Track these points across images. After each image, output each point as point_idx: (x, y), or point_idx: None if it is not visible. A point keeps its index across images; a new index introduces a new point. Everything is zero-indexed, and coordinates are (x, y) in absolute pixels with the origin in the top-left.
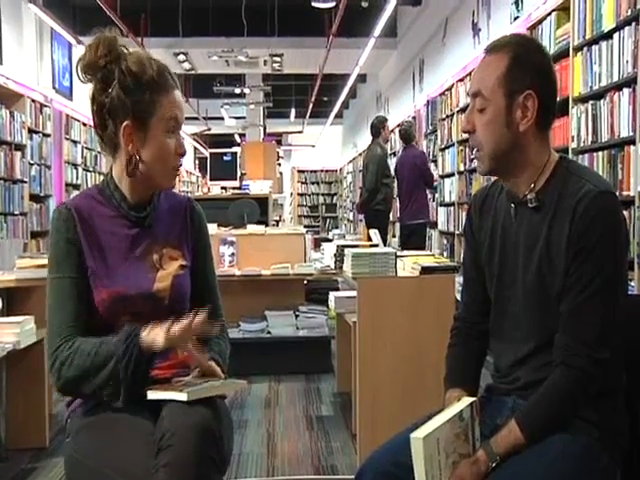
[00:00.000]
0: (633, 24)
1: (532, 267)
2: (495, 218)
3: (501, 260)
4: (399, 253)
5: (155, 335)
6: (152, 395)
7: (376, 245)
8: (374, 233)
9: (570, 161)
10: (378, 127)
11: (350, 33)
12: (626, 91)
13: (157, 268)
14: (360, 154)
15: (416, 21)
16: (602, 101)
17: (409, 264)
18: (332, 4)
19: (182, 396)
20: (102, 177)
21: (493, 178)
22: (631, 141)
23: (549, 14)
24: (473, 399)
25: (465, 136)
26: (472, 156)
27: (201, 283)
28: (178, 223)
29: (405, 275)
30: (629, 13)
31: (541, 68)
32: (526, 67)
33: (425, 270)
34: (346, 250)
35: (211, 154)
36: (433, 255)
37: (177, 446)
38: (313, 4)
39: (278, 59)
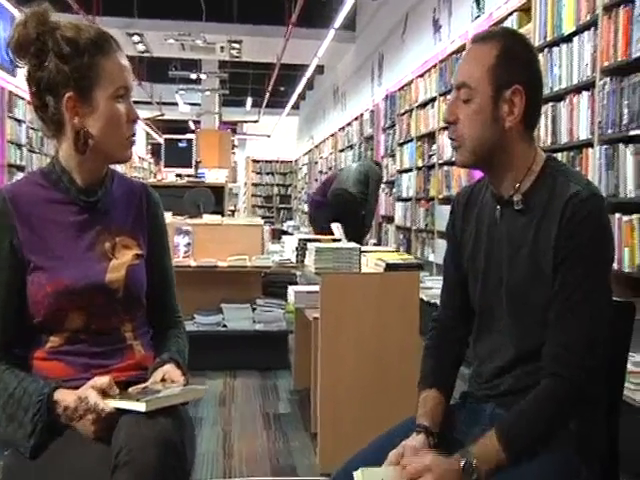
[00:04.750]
0: (592, 29)
1: (517, 272)
2: (480, 218)
3: (485, 264)
4: (362, 249)
5: (67, 398)
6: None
7: (339, 240)
8: (336, 227)
9: (557, 162)
10: (379, 170)
11: (310, 24)
12: (585, 94)
13: (109, 257)
14: (317, 146)
15: (376, 15)
16: (562, 103)
17: (373, 260)
18: None
19: (140, 406)
20: (48, 159)
21: (475, 175)
22: (589, 144)
23: (510, 14)
24: None
25: (424, 131)
26: (430, 151)
27: (157, 275)
28: (133, 210)
29: (369, 271)
30: (588, 18)
31: (530, 63)
32: (515, 61)
33: (389, 267)
34: (309, 244)
35: (166, 140)
36: (397, 251)
37: (136, 463)
38: None
39: (237, 46)
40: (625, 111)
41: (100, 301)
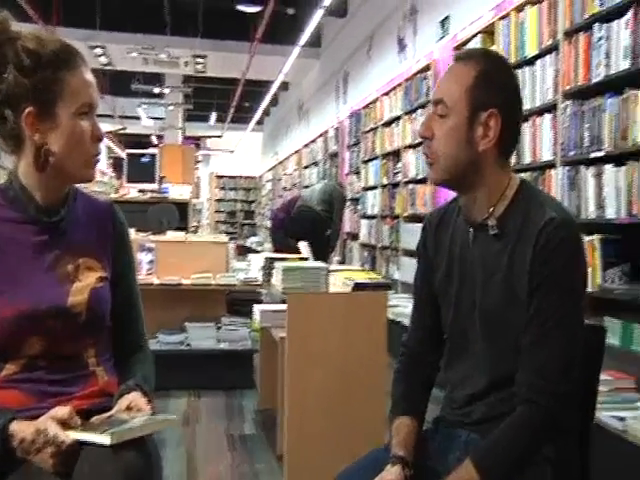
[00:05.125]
0: (554, 53)
1: (491, 297)
2: (453, 239)
3: (458, 286)
4: (330, 268)
5: (25, 430)
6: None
7: (306, 259)
8: (303, 246)
9: (531, 187)
10: (343, 191)
11: (275, 40)
12: (547, 116)
13: (72, 280)
14: (281, 162)
15: (341, 32)
16: (525, 125)
17: (341, 279)
18: (258, 9)
19: (104, 439)
20: (4, 172)
21: (449, 196)
22: (552, 165)
23: (475, 36)
24: None
25: (389, 149)
26: (395, 169)
27: (122, 297)
28: (97, 230)
29: (337, 291)
30: (550, 42)
31: (508, 88)
32: (493, 84)
33: (358, 286)
34: (276, 263)
35: (128, 155)
36: (365, 270)
37: None
38: (238, 7)
39: (201, 60)
40: (586, 134)
41: (61, 325)
